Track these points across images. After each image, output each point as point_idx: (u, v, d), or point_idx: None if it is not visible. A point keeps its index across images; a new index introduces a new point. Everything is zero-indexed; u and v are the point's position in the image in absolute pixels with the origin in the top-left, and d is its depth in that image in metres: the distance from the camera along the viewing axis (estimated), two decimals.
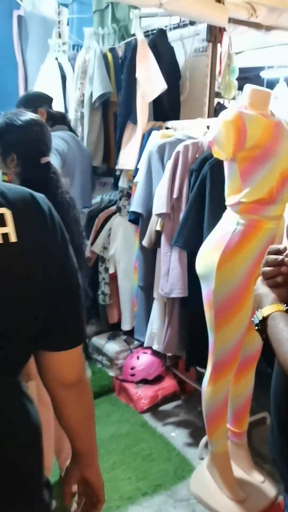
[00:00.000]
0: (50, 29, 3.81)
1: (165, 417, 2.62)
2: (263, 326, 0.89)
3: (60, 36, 4.02)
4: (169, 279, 2.23)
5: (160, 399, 2.72)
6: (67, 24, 3.83)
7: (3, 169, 1.66)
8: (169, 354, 2.62)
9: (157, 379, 2.81)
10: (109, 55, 3.01)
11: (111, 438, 2.41)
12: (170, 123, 2.61)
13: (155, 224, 2.29)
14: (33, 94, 2.56)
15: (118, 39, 3.17)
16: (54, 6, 3.84)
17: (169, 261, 2.23)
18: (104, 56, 2.97)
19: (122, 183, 2.74)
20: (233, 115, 1.63)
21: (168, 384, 2.80)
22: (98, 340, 3.03)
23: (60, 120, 2.51)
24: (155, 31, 2.72)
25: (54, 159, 2.08)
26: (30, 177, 1.54)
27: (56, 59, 3.42)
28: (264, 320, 0.89)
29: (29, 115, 1.58)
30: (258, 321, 0.90)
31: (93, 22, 3.36)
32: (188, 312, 2.29)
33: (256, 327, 0.91)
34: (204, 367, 1.95)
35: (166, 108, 2.75)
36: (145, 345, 2.53)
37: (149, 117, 2.75)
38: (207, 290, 1.81)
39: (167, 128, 2.59)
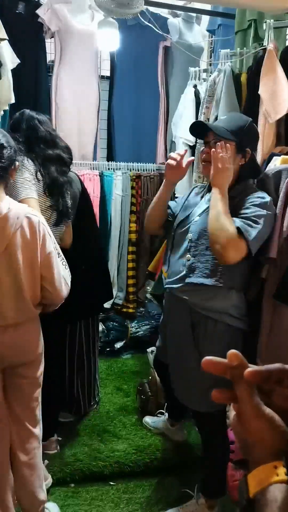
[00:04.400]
0: (196, 57, 3.67)
1: None
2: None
3: (210, 63, 3.84)
4: (270, 343, 1.72)
5: None
6: (212, 51, 3.63)
7: None
8: None
9: None
10: (244, 76, 2.66)
11: None
12: None
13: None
14: None
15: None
16: (200, 33, 3.69)
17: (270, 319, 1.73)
18: (237, 77, 2.63)
19: None
20: None
21: None
22: None
23: None
24: None
25: None
26: None
27: (195, 86, 3.22)
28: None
29: None
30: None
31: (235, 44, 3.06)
32: None
33: None
34: None
35: None
36: None
37: (284, 142, 2.30)
38: None
39: None
